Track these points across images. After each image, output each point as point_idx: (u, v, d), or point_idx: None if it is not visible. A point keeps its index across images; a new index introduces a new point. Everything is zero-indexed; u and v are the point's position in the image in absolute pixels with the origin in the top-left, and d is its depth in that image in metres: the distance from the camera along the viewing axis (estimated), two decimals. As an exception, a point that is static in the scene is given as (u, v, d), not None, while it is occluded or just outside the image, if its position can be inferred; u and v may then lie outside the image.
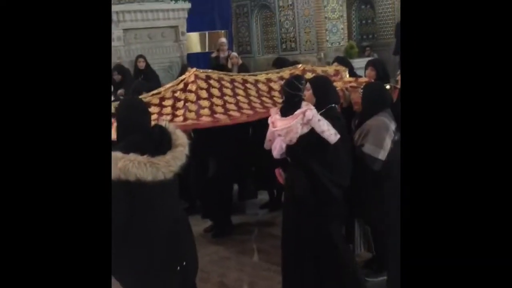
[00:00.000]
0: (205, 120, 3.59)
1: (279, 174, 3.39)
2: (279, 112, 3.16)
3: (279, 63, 5.86)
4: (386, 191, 3.06)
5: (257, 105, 3.85)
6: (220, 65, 7.24)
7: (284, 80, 4.08)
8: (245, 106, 3.80)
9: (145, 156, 2.15)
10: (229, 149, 4.22)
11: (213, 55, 8.18)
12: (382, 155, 3.05)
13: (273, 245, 3.81)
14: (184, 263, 2.39)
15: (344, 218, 3.21)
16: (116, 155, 2.09)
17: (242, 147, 4.44)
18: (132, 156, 2.12)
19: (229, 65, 7.40)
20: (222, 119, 3.62)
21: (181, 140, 2.33)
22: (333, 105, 3.06)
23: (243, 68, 7.31)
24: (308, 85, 3.15)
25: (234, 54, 7.86)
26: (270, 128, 3.13)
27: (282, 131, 2.94)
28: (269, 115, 3.29)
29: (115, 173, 2.05)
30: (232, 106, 3.76)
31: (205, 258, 3.75)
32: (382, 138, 3.07)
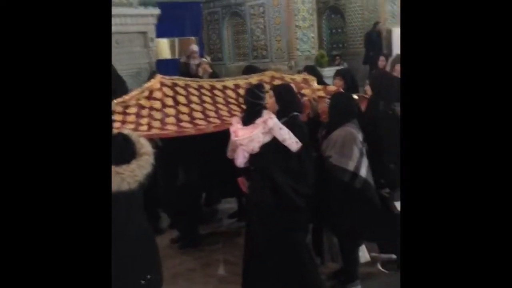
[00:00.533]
0: (171, 129, 3.50)
1: (242, 183, 3.36)
2: (240, 121, 3.15)
3: (250, 71, 5.82)
4: (351, 203, 3.05)
5: (225, 113, 3.78)
6: (189, 73, 7.16)
7: None
8: (212, 114, 3.72)
9: (117, 167, 2.12)
10: (198, 157, 4.14)
11: (182, 60, 8.09)
12: (351, 166, 3.04)
13: (241, 256, 3.73)
14: (149, 276, 2.33)
15: (308, 228, 3.21)
16: None
17: (211, 154, 4.36)
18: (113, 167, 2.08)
19: (200, 73, 7.31)
20: (188, 128, 3.54)
21: (146, 149, 2.30)
22: (296, 113, 3.06)
23: (213, 76, 7.24)
24: (271, 92, 3.14)
25: (205, 60, 7.78)
26: (232, 137, 3.10)
27: (244, 140, 2.94)
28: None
29: None
30: (199, 115, 3.68)
31: (171, 270, 3.64)
32: (350, 149, 3.07)
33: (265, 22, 10.24)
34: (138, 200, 2.33)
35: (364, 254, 3.34)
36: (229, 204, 5.08)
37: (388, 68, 5.13)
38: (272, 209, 2.92)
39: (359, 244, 3.28)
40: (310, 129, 3.24)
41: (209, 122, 3.64)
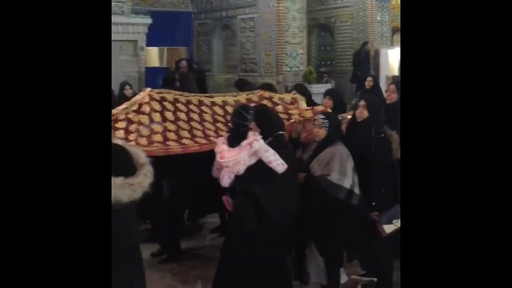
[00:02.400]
0: (156, 147, 3.49)
1: (227, 201, 3.36)
2: (226, 142, 3.14)
3: (241, 84, 5.87)
4: (345, 220, 3.09)
5: (211, 132, 3.80)
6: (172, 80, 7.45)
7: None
8: (199, 134, 3.74)
9: (121, 178, 2.13)
10: (182, 173, 4.13)
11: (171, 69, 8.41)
12: (347, 183, 3.09)
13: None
14: (136, 282, 2.33)
15: (288, 248, 3.22)
16: None
17: (195, 171, 4.36)
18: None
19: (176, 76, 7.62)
20: (174, 147, 3.54)
21: (143, 159, 2.34)
22: (280, 132, 3.08)
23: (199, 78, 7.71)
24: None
25: (183, 62, 8.32)
26: (217, 159, 3.11)
27: (230, 162, 2.93)
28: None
29: None
30: (185, 133, 3.69)
31: (151, 285, 3.59)
32: (346, 166, 3.13)
33: (255, 36, 10.30)
34: (134, 212, 2.36)
35: (343, 274, 3.37)
36: (212, 219, 5.05)
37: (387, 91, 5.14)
38: (255, 229, 2.93)
39: (342, 264, 3.31)
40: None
41: (195, 142, 3.66)
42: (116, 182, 2.10)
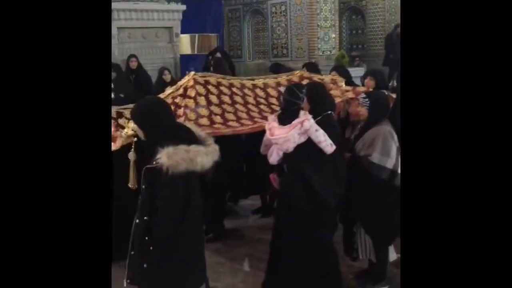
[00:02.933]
0: (204, 130, 3.57)
1: (274, 179, 3.40)
2: (276, 120, 3.15)
3: (275, 68, 5.89)
4: (389, 201, 3.09)
5: (256, 114, 3.84)
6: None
7: (281, 86, 4.09)
8: (244, 116, 3.79)
9: (201, 147, 2.26)
10: (225, 154, 4.19)
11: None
12: (390, 164, 3.08)
13: (264, 251, 3.80)
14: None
15: (335, 227, 3.25)
16: (169, 149, 2.17)
17: (237, 152, 4.43)
18: (193, 147, 2.23)
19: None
20: (221, 129, 3.60)
21: (201, 133, 2.48)
22: (329, 112, 3.09)
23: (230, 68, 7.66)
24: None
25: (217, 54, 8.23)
26: (267, 135, 3.13)
27: (280, 139, 2.95)
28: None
29: (177, 164, 2.14)
30: (231, 116, 3.73)
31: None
32: (389, 146, 3.10)
33: (287, 20, 10.27)
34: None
35: (392, 253, 3.38)
36: (253, 201, 5.14)
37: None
38: (304, 208, 2.96)
39: (392, 241, 3.32)
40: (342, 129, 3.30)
41: (241, 124, 3.70)
42: (199, 149, 2.22)
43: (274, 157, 3.18)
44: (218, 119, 3.70)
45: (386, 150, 3.09)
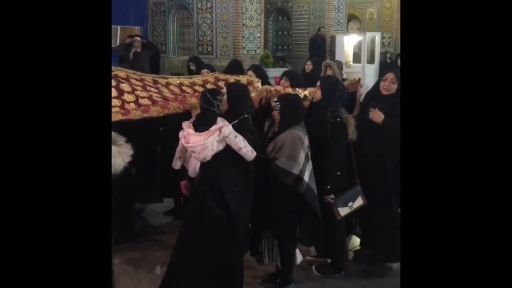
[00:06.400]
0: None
1: (185, 186, 3.26)
2: (192, 126, 2.94)
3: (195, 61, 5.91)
4: (296, 207, 3.05)
5: (170, 95, 3.64)
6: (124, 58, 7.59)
7: (196, 87, 3.95)
8: (159, 99, 3.57)
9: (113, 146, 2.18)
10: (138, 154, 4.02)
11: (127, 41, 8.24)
12: (296, 169, 3.00)
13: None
14: None
15: (245, 245, 3.17)
16: None
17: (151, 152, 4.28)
18: None
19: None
20: (133, 110, 3.36)
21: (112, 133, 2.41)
22: (246, 115, 2.99)
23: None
24: (224, 90, 3.06)
25: (137, 39, 8.24)
26: (181, 144, 2.96)
27: (197, 147, 2.79)
28: (183, 106, 3.12)
29: None
30: (145, 101, 3.51)
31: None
32: (297, 152, 3.02)
33: (212, 17, 10.12)
34: None
35: (298, 255, 3.36)
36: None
37: (322, 73, 5.07)
38: (212, 217, 2.86)
39: (295, 245, 3.29)
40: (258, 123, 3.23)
41: (155, 102, 3.48)
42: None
43: (192, 169, 3.04)
44: (131, 106, 3.47)
45: (292, 155, 3.02)
